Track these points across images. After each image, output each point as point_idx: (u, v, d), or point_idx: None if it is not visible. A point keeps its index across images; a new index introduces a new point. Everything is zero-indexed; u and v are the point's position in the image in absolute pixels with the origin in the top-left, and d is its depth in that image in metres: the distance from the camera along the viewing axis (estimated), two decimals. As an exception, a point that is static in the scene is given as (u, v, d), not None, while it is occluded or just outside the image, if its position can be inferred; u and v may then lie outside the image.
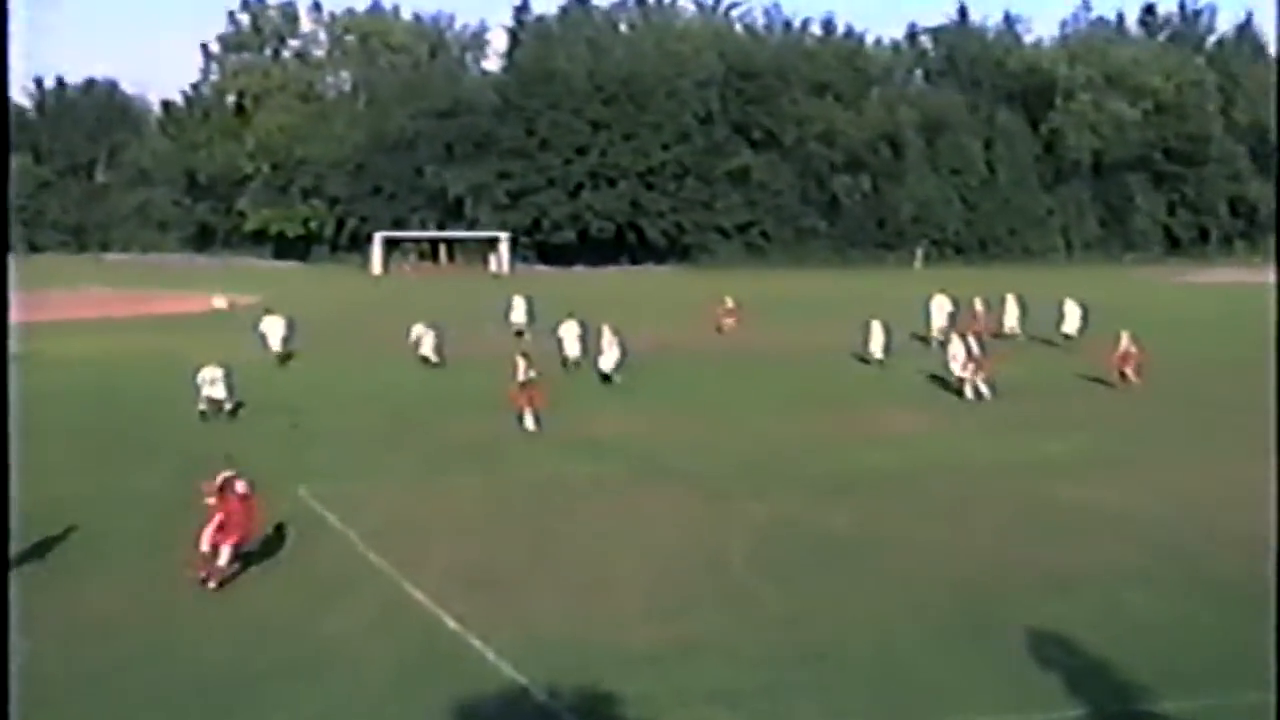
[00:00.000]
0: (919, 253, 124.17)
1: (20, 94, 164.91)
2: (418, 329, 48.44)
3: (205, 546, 20.35)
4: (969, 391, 38.88)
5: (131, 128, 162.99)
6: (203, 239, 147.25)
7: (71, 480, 27.79)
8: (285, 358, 47.97)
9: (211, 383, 36.09)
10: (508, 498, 26.65)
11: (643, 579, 20.74)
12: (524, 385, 34.77)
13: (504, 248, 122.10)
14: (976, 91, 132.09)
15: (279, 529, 23.56)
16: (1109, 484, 27.16)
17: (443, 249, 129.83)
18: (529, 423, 34.01)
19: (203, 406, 35.78)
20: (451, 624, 18.46)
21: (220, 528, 20.37)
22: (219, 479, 20.82)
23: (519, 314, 57.12)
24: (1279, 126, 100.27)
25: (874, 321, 46.65)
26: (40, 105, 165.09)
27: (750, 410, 37.63)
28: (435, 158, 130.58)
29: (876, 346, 46.31)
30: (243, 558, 21.29)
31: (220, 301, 55.90)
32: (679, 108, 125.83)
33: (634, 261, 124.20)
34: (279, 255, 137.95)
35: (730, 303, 60.21)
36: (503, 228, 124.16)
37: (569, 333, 46.68)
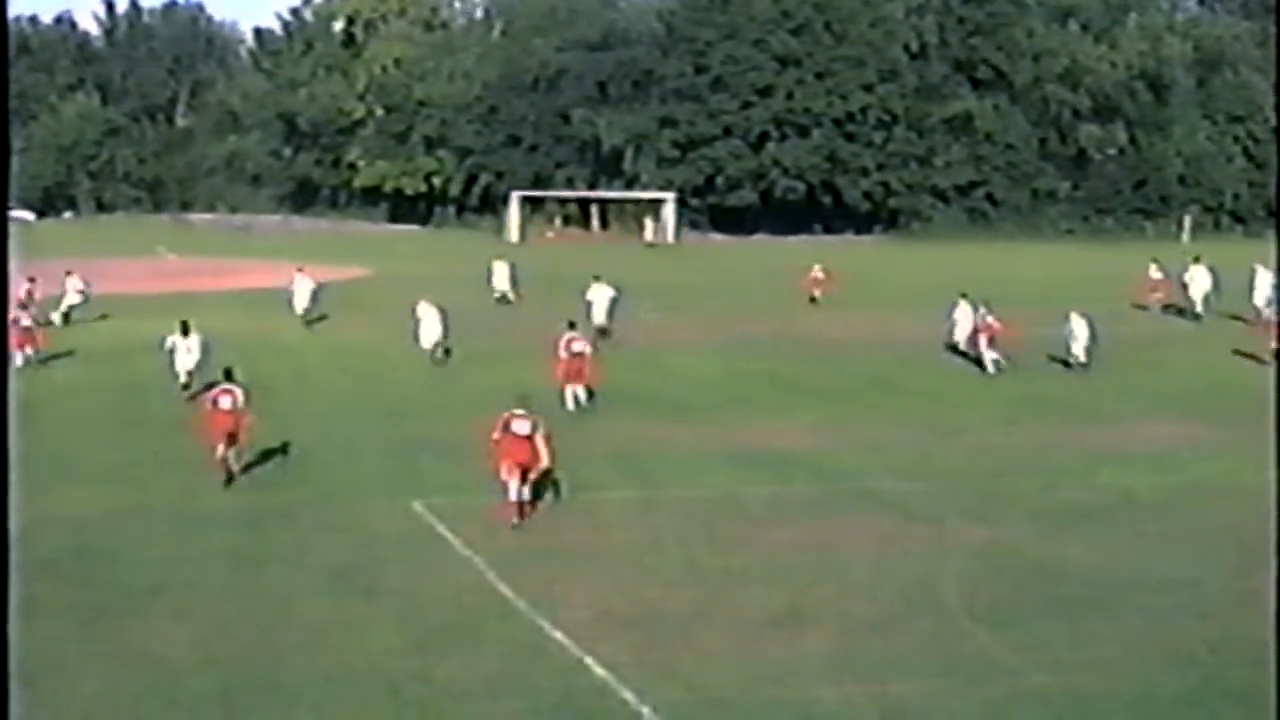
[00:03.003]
0: (1186, 221, 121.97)
1: (88, 19, 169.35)
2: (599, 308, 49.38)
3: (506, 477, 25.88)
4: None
5: (218, 61, 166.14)
6: (303, 197, 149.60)
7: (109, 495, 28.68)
8: (438, 354, 48.52)
9: (188, 351, 39.05)
10: (666, 519, 26.83)
11: (833, 621, 20.74)
12: (574, 357, 37.77)
13: (669, 211, 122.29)
14: (1265, 17, 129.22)
15: (389, 552, 24.02)
16: None
17: (594, 212, 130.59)
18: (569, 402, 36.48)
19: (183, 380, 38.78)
20: (598, 671, 18.63)
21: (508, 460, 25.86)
22: (501, 418, 26.22)
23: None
24: (1279, 118, 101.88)
25: (1074, 314, 45.98)
26: (109, 34, 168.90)
27: (959, 417, 37.46)
28: (585, 100, 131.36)
29: (1078, 346, 45.50)
30: (347, 584, 21.84)
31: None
32: (885, 39, 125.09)
33: (829, 229, 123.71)
34: (395, 217, 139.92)
35: (819, 271, 66.57)
36: (668, 187, 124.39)
37: (599, 297, 51.37)
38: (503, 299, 65.06)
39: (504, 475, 26.18)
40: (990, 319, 45.38)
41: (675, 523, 26.59)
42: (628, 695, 17.82)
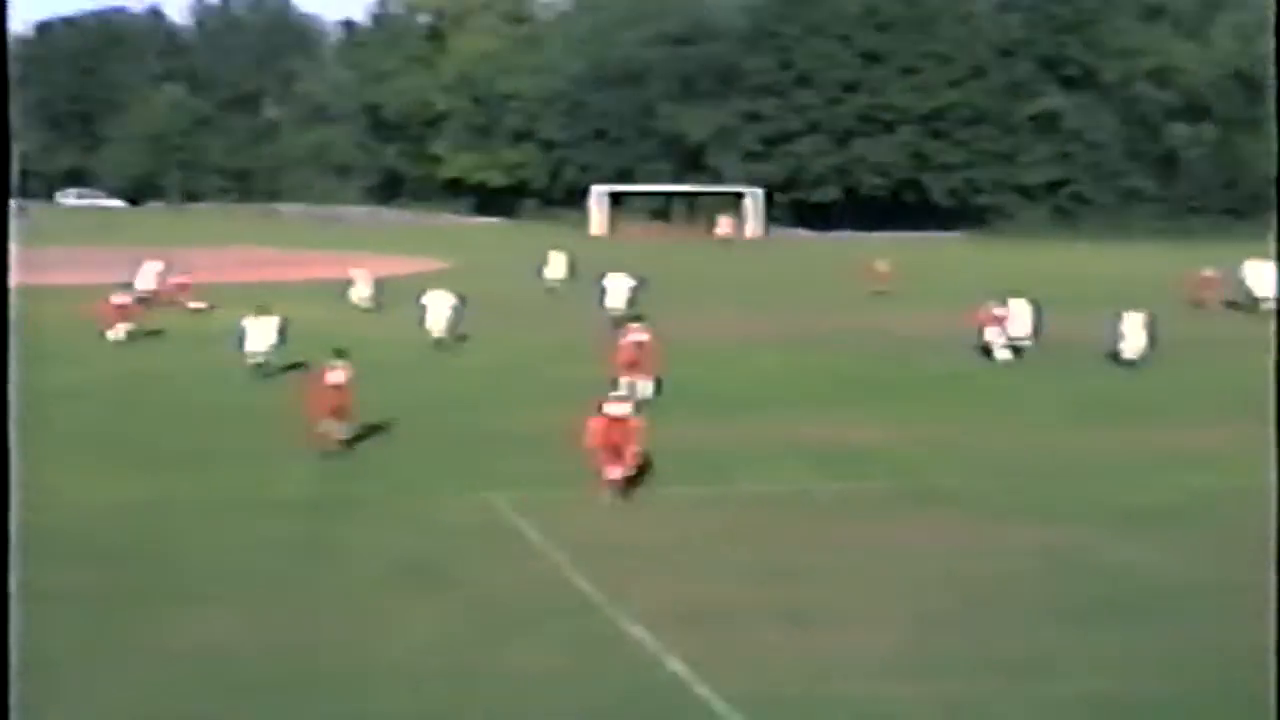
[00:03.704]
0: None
1: (177, 11, 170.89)
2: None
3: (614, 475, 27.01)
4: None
5: (306, 53, 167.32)
6: (389, 189, 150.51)
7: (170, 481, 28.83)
8: (447, 341, 48.80)
9: (262, 334, 41.14)
10: (738, 514, 26.76)
11: (900, 620, 20.62)
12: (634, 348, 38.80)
13: (752, 206, 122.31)
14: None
15: (461, 544, 24.01)
16: None
17: (678, 207, 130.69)
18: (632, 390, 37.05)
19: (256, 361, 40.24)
20: (673, 666, 18.54)
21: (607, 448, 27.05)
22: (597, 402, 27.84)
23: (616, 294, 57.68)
24: (1278, 110, 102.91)
25: (1127, 314, 45.96)
26: (199, 25, 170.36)
27: (1029, 416, 37.30)
28: (670, 95, 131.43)
29: (1129, 346, 45.58)
30: (418, 576, 21.98)
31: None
32: (972, 36, 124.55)
33: (913, 226, 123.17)
34: (480, 210, 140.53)
35: (882, 265, 68.92)
36: (752, 181, 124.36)
37: (616, 286, 53.98)
38: (552, 290, 66.17)
39: (598, 457, 27.20)
40: (998, 311, 47.20)
41: (747, 518, 26.53)
42: (703, 690, 17.72)
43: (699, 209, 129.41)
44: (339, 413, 31.15)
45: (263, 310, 41.91)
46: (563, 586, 22.10)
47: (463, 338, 49.47)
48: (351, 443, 31.79)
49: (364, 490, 28.26)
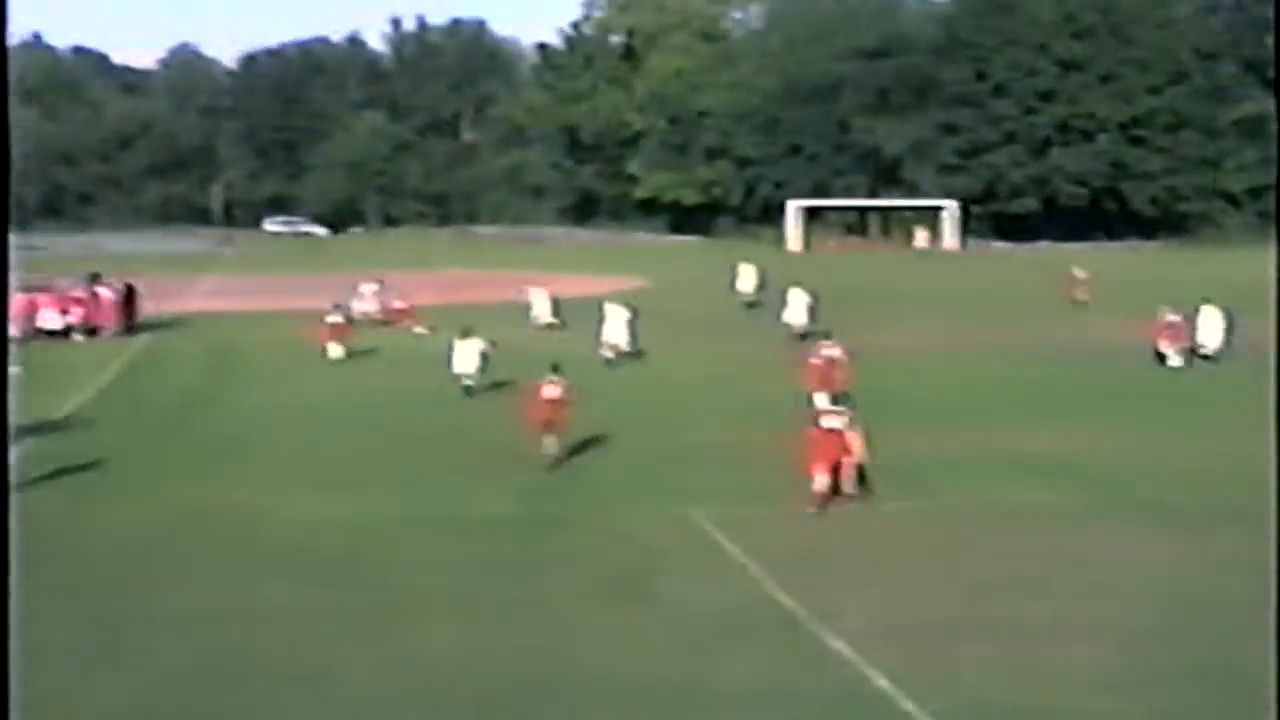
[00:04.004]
0: None
1: (377, 39, 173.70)
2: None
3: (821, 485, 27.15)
4: None
5: (502, 76, 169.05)
6: (585, 209, 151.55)
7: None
8: (620, 358, 49.18)
9: (467, 354, 41.89)
10: (940, 527, 26.65)
11: (1105, 631, 20.42)
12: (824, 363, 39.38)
13: (949, 218, 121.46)
14: None
15: (665, 559, 24.18)
16: None
17: (873, 221, 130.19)
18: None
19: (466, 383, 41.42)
20: (879, 681, 18.52)
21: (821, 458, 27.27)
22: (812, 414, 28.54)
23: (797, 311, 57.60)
24: (1278, 103, 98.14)
25: (1205, 308, 47.65)
26: (397, 52, 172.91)
27: (1231, 424, 36.61)
28: (864, 108, 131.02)
29: (1204, 336, 47.58)
30: (622, 592, 22.24)
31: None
32: (1173, 40, 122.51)
33: (1113, 236, 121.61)
34: (675, 228, 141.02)
35: (1079, 273, 69.19)
36: (948, 194, 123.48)
37: (795, 301, 54.54)
38: (752, 304, 66.41)
39: (813, 469, 27.44)
40: (1171, 318, 47.88)
41: (948, 531, 26.41)
42: (909, 705, 17.69)
43: (895, 222, 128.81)
44: (553, 427, 31.91)
45: (468, 333, 42.62)
46: (764, 601, 22.16)
47: (640, 353, 49.85)
48: (556, 459, 32.22)
49: (567, 506, 28.60)
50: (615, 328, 49.84)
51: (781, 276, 64.93)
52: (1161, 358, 47.44)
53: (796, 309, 55.22)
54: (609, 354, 48.95)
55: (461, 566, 24.20)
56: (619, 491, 29.84)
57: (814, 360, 39.75)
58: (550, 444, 31.88)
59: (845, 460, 27.68)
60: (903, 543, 25.67)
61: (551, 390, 32.14)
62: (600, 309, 51.60)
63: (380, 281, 63.20)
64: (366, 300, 61.52)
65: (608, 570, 23.85)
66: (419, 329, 58.35)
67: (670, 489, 29.76)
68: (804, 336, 52.23)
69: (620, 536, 26.14)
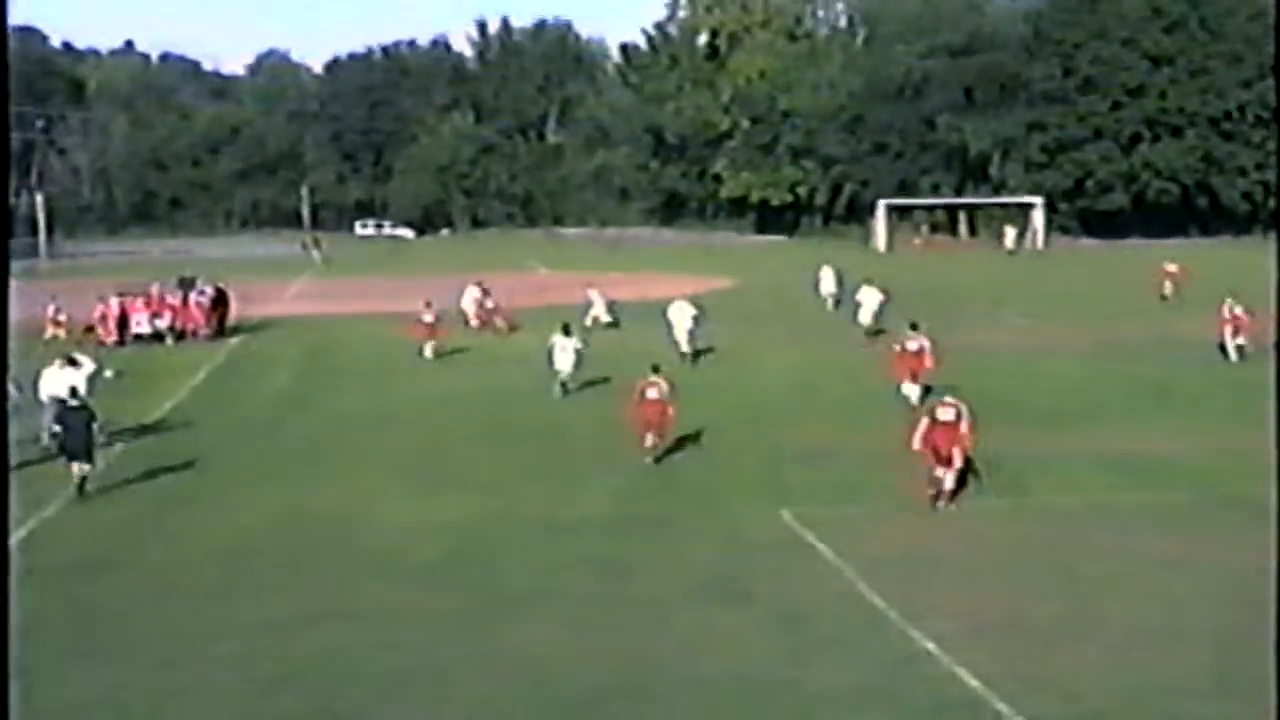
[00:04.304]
0: None
1: (462, 42, 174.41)
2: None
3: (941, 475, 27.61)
4: None
5: (587, 77, 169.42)
6: (671, 209, 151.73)
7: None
8: (695, 355, 49.35)
9: (564, 351, 42.07)
10: (1035, 527, 26.56)
11: (1208, 634, 20.26)
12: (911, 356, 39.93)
13: (1038, 216, 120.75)
14: None
15: (759, 560, 24.23)
16: None
17: (962, 219, 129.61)
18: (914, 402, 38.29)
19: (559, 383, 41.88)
20: (971, 682, 18.48)
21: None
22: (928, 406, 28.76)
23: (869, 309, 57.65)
24: (1278, 112, 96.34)
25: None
26: (482, 54, 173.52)
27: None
28: (951, 106, 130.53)
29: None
30: (718, 592, 22.34)
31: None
32: (1264, 33, 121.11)
33: (1205, 232, 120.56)
34: (761, 228, 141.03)
35: (1171, 266, 69.87)
36: (1036, 191, 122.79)
37: (868, 299, 54.73)
38: (834, 307, 66.66)
39: (927, 462, 27.90)
40: (1238, 311, 48.23)
41: (1045, 531, 26.31)
42: (1001, 706, 17.65)
43: (982, 220, 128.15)
44: (656, 427, 32.37)
45: (567, 331, 42.98)
46: (858, 602, 22.18)
47: (708, 350, 49.89)
48: (656, 459, 32.39)
49: (664, 506, 28.73)
50: (680, 327, 49.97)
51: (868, 276, 64.78)
52: (1226, 351, 47.76)
53: (869, 307, 55.40)
54: (687, 348, 49.15)
55: (560, 567, 24.33)
56: (714, 491, 29.95)
57: (901, 351, 40.28)
58: (653, 443, 32.32)
59: (956, 453, 27.83)
60: (998, 542, 25.60)
61: (654, 390, 32.53)
62: (666, 309, 51.73)
63: (480, 284, 63.42)
64: (468, 302, 61.96)
65: (705, 570, 23.94)
66: (499, 322, 59.22)
67: (764, 489, 29.88)
68: (877, 333, 52.95)
69: (716, 536, 26.23)
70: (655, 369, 33.60)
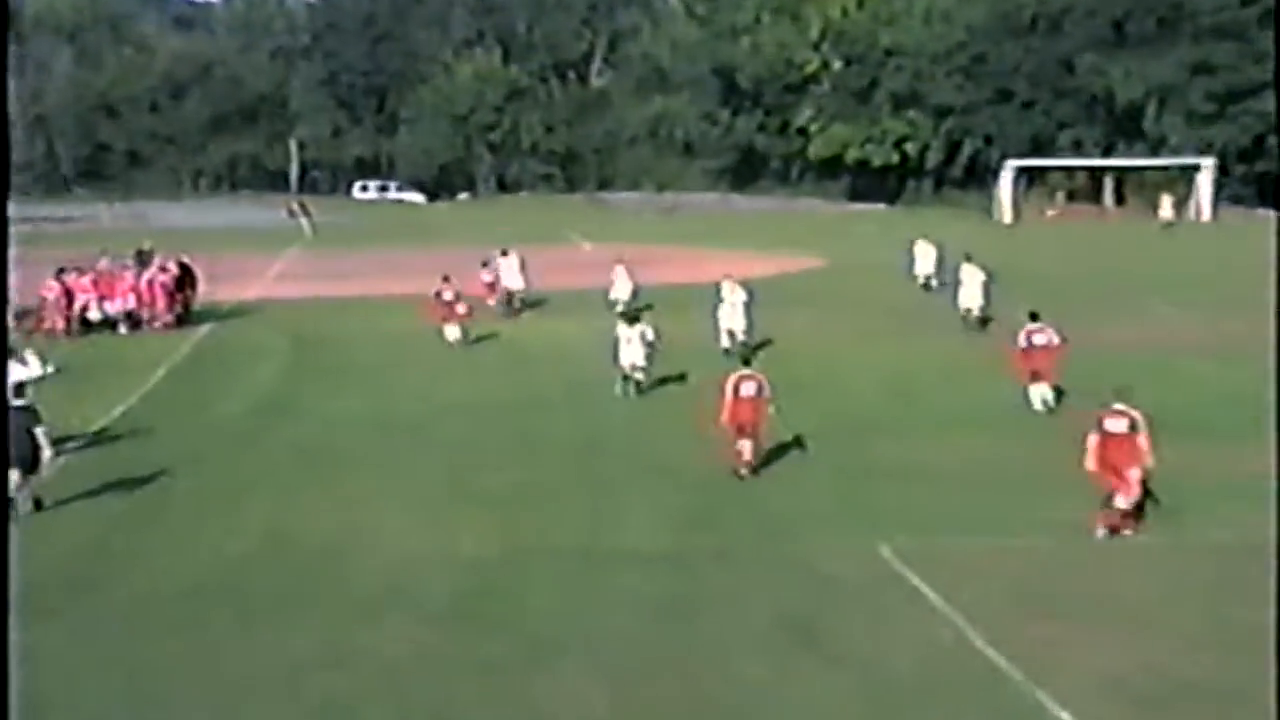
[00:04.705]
0: None
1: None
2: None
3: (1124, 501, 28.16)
4: None
5: (641, 7, 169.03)
6: (745, 170, 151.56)
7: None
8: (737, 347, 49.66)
9: (629, 342, 43.10)
10: (1182, 566, 26.64)
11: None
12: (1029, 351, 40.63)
13: (1204, 181, 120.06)
14: None
15: (846, 600, 24.49)
16: None
17: (1108, 185, 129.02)
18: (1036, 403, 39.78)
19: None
20: (1105, 754, 18.72)
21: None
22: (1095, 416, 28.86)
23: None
24: (1278, 109, 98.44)
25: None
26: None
27: None
28: (1095, 44, 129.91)
29: None
30: (794, 638, 22.59)
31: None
32: None
33: None
34: (857, 194, 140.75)
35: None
36: (1203, 150, 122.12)
37: (970, 280, 55.94)
38: (926, 286, 68.77)
39: (1102, 481, 28.54)
40: None
41: (1197, 571, 26.41)
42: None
43: (1134, 186, 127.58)
44: (751, 430, 32.91)
45: (635, 318, 43.49)
46: (972, 657, 22.35)
47: (761, 345, 49.95)
48: (724, 475, 32.75)
49: (733, 534, 29.03)
50: (733, 312, 50.25)
51: (989, 254, 64.69)
52: None
53: (971, 290, 56.13)
54: (727, 343, 49.42)
55: (604, 608, 24.60)
56: (794, 517, 30.19)
57: (1026, 346, 40.63)
58: (747, 450, 32.89)
59: (1134, 473, 28.35)
60: (1139, 584, 25.69)
61: (750, 385, 33.07)
62: (717, 291, 52.03)
63: (505, 253, 63.49)
64: (514, 276, 62.34)
65: (779, 615, 24.14)
66: (491, 302, 59.89)
67: (856, 514, 30.09)
68: (984, 322, 54.19)
69: (795, 572, 26.44)
70: (746, 360, 34.37)
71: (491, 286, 62.15)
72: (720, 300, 51.42)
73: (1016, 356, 41.01)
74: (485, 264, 63.87)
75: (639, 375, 43.10)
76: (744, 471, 32.77)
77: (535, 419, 40.54)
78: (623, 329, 43.30)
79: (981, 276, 56.23)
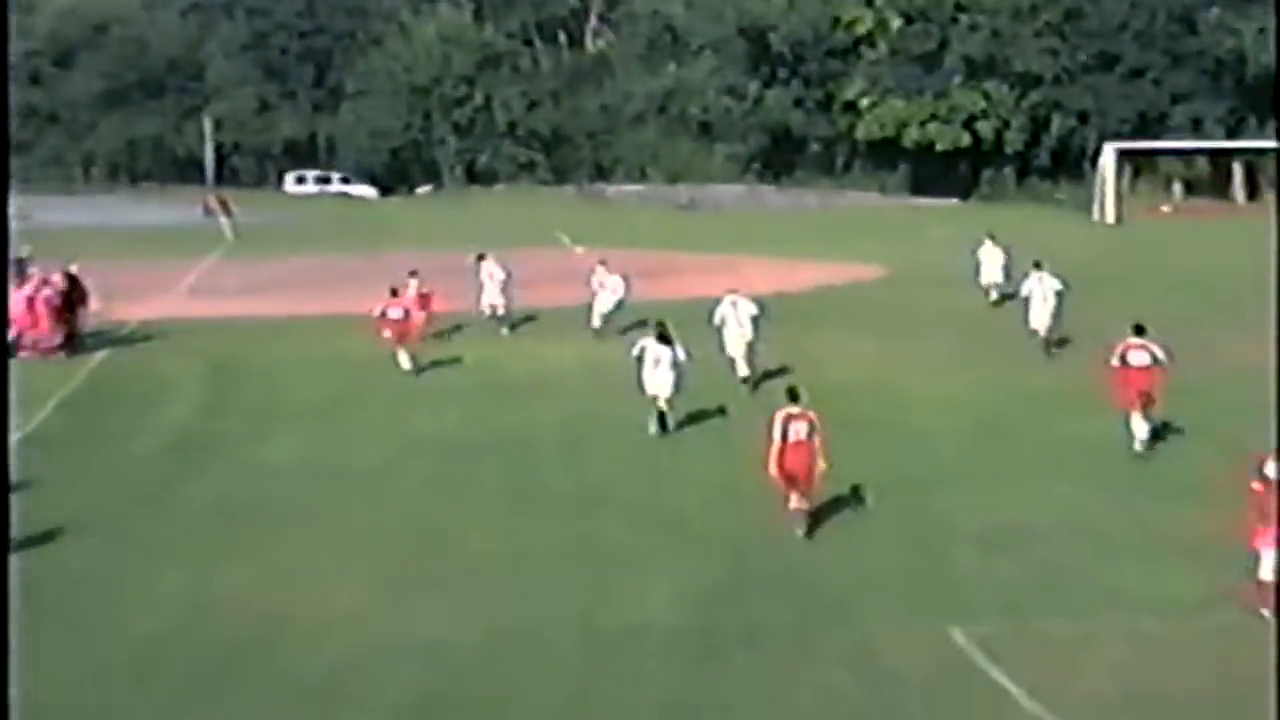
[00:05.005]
0: None
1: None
2: None
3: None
4: None
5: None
6: (778, 156, 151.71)
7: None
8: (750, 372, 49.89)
9: (658, 364, 43.51)
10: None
11: None
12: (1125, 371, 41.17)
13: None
14: None
15: (911, 698, 24.63)
16: None
17: (1237, 172, 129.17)
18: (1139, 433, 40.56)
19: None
20: None
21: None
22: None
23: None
24: (1277, 108, 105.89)
25: None
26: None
27: None
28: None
29: None
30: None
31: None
32: None
33: None
34: (919, 186, 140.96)
35: None
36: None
37: (1039, 291, 57.47)
38: (999, 301, 69.12)
39: (1257, 540, 28.66)
40: None
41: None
42: None
43: (1270, 174, 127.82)
44: (804, 481, 33.38)
45: (664, 335, 43.48)
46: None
47: (780, 370, 50.05)
48: (760, 536, 32.78)
49: (769, 612, 29.05)
50: (737, 332, 50.32)
51: (1088, 263, 64.86)
52: None
53: (1042, 303, 56.95)
54: (745, 371, 49.54)
55: (607, 708, 24.68)
56: (848, 591, 30.27)
57: (1123, 365, 41.11)
58: (800, 504, 33.32)
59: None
60: (1265, 671, 25.65)
61: (801, 426, 33.50)
62: (716, 306, 52.08)
63: (482, 257, 63.58)
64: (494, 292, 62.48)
65: (824, 713, 24.23)
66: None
67: (925, 589, 30.16)
68: (1059, 343, 55.60)
69: (849, 662, 26.50)
70: (793, 396, 34.35)
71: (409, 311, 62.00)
72: (723, 321, 51.37)
73: (1112, 376, 41.34)
74: (395, 293, 61.45)
75: (664, 407, 43.34)
76: (800, 530, 33.13)
77: (521, 464, 40.68)
78: (651, 348, 43.40)
79: (1055, 285, 57.11)
